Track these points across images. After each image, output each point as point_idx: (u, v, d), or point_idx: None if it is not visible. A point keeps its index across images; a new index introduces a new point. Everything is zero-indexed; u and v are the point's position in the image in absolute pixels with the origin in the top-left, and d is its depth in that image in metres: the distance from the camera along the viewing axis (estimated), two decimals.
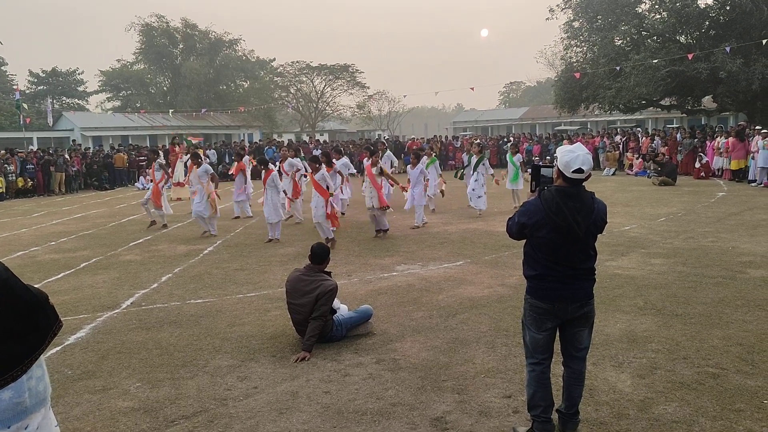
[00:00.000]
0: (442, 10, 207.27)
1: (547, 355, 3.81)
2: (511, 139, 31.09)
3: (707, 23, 25.51)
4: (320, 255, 5.73)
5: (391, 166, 16.63)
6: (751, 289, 6.99)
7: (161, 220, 13.50)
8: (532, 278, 3.76)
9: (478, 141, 20.92)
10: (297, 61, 52.61)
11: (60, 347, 5.73)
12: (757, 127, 20.33)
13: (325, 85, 54.43)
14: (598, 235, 3.76)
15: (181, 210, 15.41)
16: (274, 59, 55.05)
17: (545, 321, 3.73)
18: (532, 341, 3.81)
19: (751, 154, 19.27)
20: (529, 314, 3.81)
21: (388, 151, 17.18)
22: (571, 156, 3.52)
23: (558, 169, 3.62)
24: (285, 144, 26.29)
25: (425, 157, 13.51)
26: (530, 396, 3.83)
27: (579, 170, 3.51)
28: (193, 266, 9.34)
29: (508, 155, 15.12)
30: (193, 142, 19.87)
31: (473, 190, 13.77)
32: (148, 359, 5.41)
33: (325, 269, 5.79)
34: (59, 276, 8.97)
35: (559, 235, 3.57)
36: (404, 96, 74.32)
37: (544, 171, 3.81)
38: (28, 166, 23.43)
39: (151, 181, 13.51)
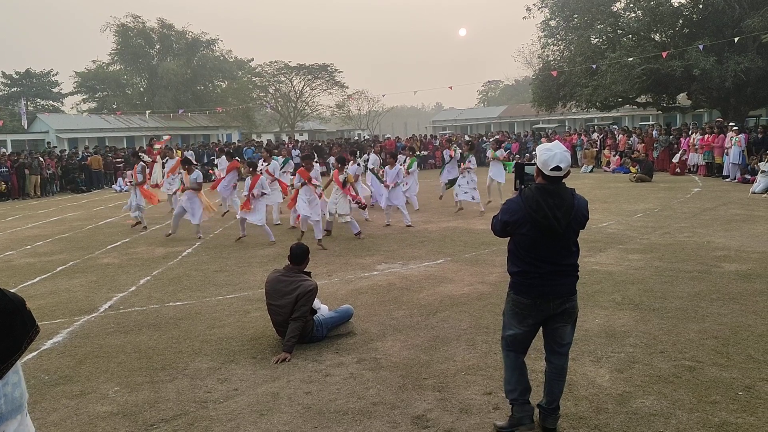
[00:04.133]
0: (420, 9, 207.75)
1: (523, 348, 3.91)
2: (491, 135, 31.32)
3: (681, 21, 25.88)
4: (299, 255, 5.71)
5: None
6: (726, 282, 7.11)
7: (137, 220, 13.37)
8: (516, 274, 3.83)
9: (468, 138, 21.23)
10: (275, 61, 52.37)
11: (36, 352, 5.64)
12: (730, 124, 20.68)
13: (304, 85, 54.23)
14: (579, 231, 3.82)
15: (159, 212, 15.25)
16: (252, 59, 54.80)
17: (527, 317, 3.79)
18: (511, 336, 3.87)
19: (726, 150, 19.60)
20: (510, 309, 3.87)
21: (373, 153, 16.87)
22: (548, 154, 3.60)
23: (537, 167, 3.69)
24: (264, 144, 26.19)
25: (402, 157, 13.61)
26: (506, 380, 3.94)
27: (557, 168, 3.58)
28: (172, 268, 9.25)
29: (489, 151, 15.31)
30: (156, 145, 19.20)
31: (467, 183, 13.71)
32: (126, 363, 5.35)
33: (305, 269, 5.78)
34: (35, 280, 8.83)
35: (540, 232, 3.64)
36: (383, 95, 74.22)
37: (527, 169, 3.91)
38: (1, 169, 22.99)
39: (130, 182, 13.38)
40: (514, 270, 3.83)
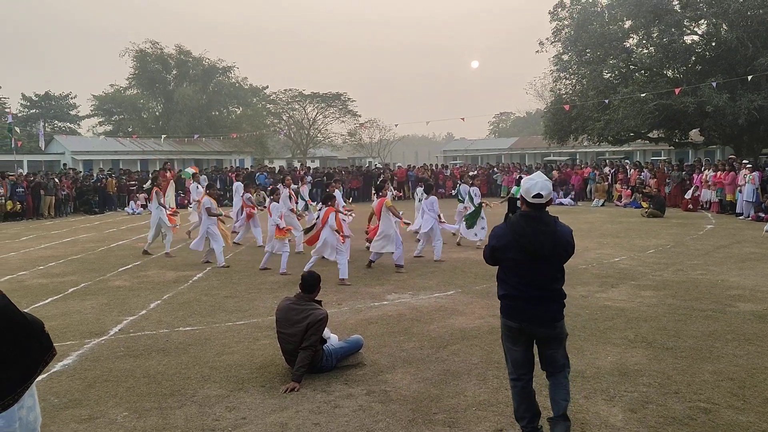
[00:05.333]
0: (436, 37, 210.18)
1: (526, 371, 4.06)
2: (502, 167, 31.39)
3: (694, 58, 26.03)
4: (311, 283, 5.71)
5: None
6: (741, 322, 7.02)
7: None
8: (503, 298, 4.09)
9: (474, 173, 21.11)
10: (290, 89, 53.20)
11: (46, 375, 5.64)
12: (744, 161, 20.63)
13: (317, 113, 54.87)
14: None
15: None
16: (267, 87, 55.69)
17: (517, 339, 4.03)
18: (510, 357, 4.10)
19: (739, 188, 19.51)
20: (503, 331, 4.13)
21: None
22: (530, 183, 3.91)
23: (521, 196, 3.99)
24: (277, 171, 26.37)
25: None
26: (516, 408, 4.12)
27: (538, 195, 3.87)
28: (183, 293, 9.27)
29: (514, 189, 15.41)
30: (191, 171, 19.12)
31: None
32: (135, 388, 5.33)
33: (316, 298, 5.77)
34: (47, 301, 8.87)
35: (525, 256, 3.88)
36: (396, 125, 74.76)
37: (518, 203, 4.20)
38: (18, 189, 23.24)
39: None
40: (501, 293, 4.10)
